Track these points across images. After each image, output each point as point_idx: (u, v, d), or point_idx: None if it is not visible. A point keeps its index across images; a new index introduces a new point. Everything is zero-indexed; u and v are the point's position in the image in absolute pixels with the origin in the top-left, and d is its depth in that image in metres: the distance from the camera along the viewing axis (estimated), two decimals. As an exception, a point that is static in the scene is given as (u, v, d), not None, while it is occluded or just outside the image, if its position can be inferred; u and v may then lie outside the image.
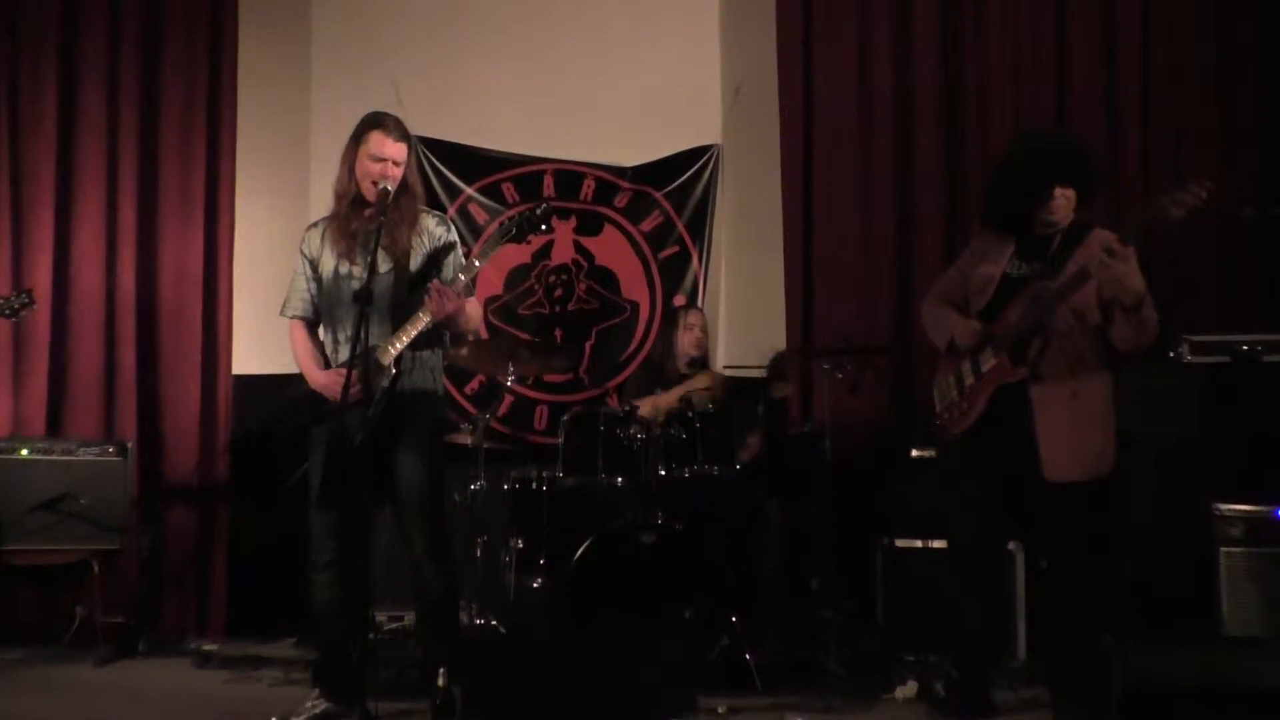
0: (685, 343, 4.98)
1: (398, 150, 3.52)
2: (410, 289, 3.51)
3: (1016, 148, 3.47)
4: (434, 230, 3.61)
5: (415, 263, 3.55)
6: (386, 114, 3.59)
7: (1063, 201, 3.33)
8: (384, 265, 3.51)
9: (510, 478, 4.68)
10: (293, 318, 3.67)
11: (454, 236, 3.66)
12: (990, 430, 3.36)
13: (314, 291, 3.65)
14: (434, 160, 5.51)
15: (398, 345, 3.43)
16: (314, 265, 3.63)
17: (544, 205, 3.56)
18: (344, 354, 3.49)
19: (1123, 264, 3.05)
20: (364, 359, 3.30)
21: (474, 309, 3.67)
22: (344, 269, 3.56)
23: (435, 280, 3.45)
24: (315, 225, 3.68)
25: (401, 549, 3.58)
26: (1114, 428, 3.29)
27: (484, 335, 4.97)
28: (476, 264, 3.48)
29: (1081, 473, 3.22)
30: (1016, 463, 3.27)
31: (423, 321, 3.42)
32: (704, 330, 5.05)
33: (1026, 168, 3.35)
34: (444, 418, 3.85)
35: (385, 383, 3.41)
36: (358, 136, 3.55)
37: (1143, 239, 3.23)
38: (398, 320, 3.47)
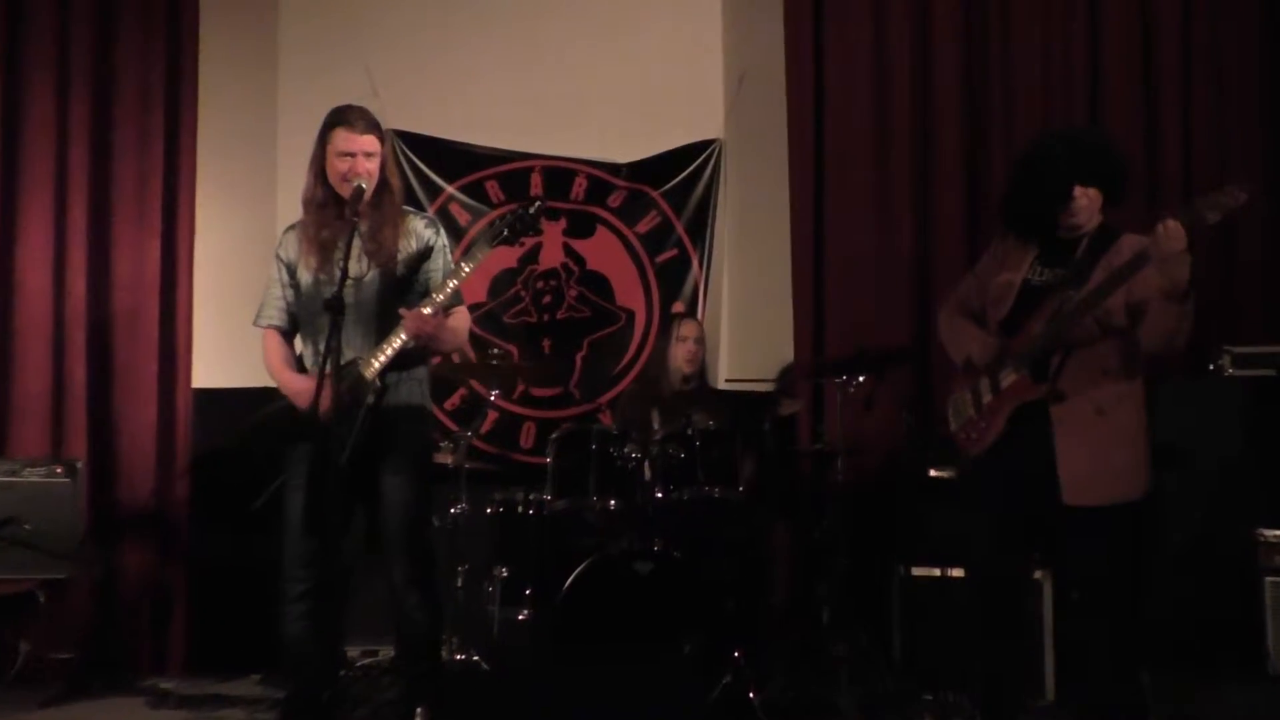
0: (678, 356, 5.00)
1: (367, 142, 3.48)
2: (397, 295, 3.50)
3: (1035, 145, 3.49)
4: (421, 232, 3.61)
5: (401, 268, 3.53)
6: (350, 106, 3.56)
7: (1085, 203, 3.34)
8: (369, 271, 3.51)
9: (494, 500, 4.72)
10: (267, 328, 3.65)
11: (444, 239, 3.65)
12: (1009, 451, 3.36)
13: (290, 299, 3.62)
14: (412, 157, 5.53)
15: (381, 359, 3.42)
16: (291, 271, 3.61)
17: (537, 203, 3.57)
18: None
19: (1181, 245, 3.04)
20: (336, 373, 3.32)
21: (460, 320, 3.63)
22: (323, 276, 3.52)
23: (403, 309, 3.42)
24: (293, 227, 3.65)
25: (379, 577, 3.57)
26: (1146, 446, 3.29)
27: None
28: (466, 269, 3.46)
29: (1106, 496, 3.22)
30: (1037, 486, 3.26)
31: (401, 341, 3.41)
32: (700, 342, 5.05)
33: (1044, 167, 3.35)
34: (432, 436, 3.85)
35: (370, 399, 3.40)
36: (322, 137, 3.53)
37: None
38: (384, 330, 3.46)
